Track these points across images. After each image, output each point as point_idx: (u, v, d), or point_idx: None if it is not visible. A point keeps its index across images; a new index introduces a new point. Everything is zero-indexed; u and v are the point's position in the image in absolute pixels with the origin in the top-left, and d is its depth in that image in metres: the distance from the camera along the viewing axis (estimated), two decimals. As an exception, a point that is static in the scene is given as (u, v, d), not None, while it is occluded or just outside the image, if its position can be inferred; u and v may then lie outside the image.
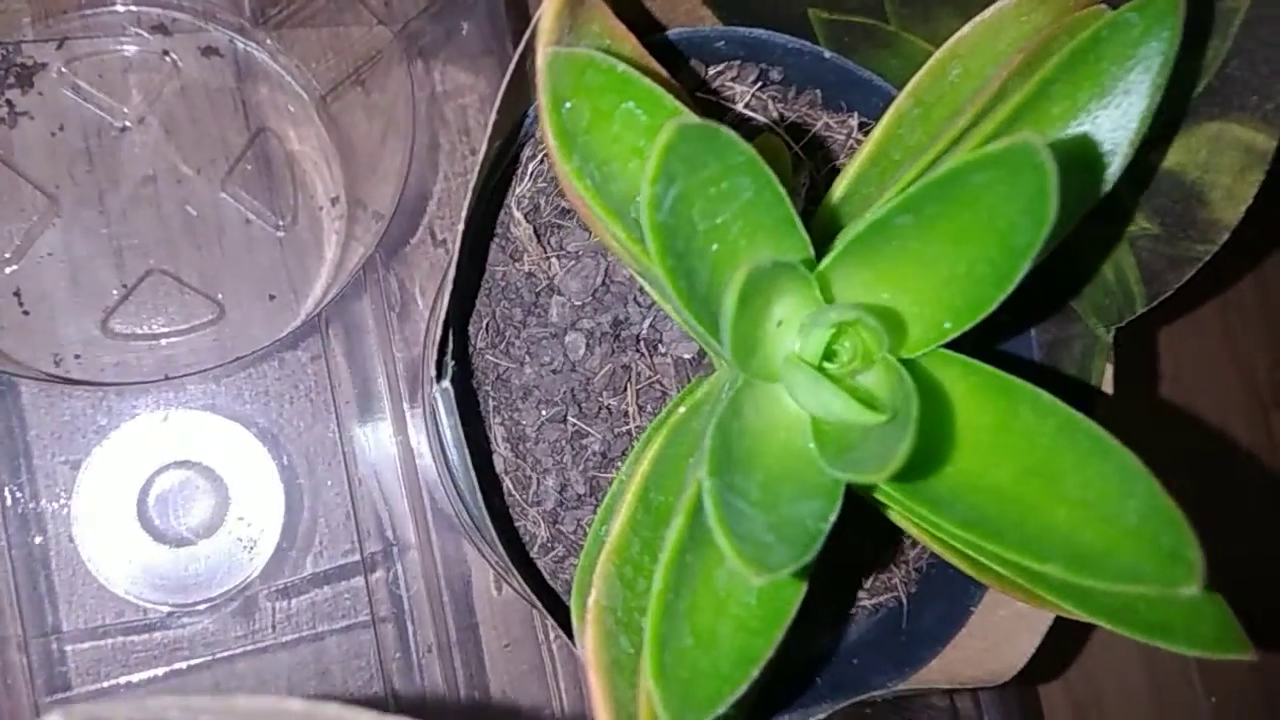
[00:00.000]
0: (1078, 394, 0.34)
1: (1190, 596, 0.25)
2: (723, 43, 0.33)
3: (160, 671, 0.33)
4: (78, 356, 0.40)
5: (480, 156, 0.24)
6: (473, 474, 0.26)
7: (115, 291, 0.41)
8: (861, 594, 0.35)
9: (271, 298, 0.43)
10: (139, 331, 0.41)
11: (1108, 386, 0.35)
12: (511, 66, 0.24)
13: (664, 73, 0.26)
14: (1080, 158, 0.24)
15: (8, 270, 0.40)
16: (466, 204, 0.24)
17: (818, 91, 0.36)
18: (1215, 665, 0.52)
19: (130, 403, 0.35)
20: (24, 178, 0.41)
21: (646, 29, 0.31)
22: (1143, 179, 0.32)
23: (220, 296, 0.42)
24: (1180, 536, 0.19)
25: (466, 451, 0.26)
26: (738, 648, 0.22)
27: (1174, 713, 0.52)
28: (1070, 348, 0.36)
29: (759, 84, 0.35)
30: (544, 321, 0.31)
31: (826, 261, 0.24)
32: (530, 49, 0.24)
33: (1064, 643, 0.33)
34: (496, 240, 0.31)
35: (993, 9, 0.30)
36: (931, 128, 0.31)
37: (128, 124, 0.42)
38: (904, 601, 0.36)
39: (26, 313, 0.40)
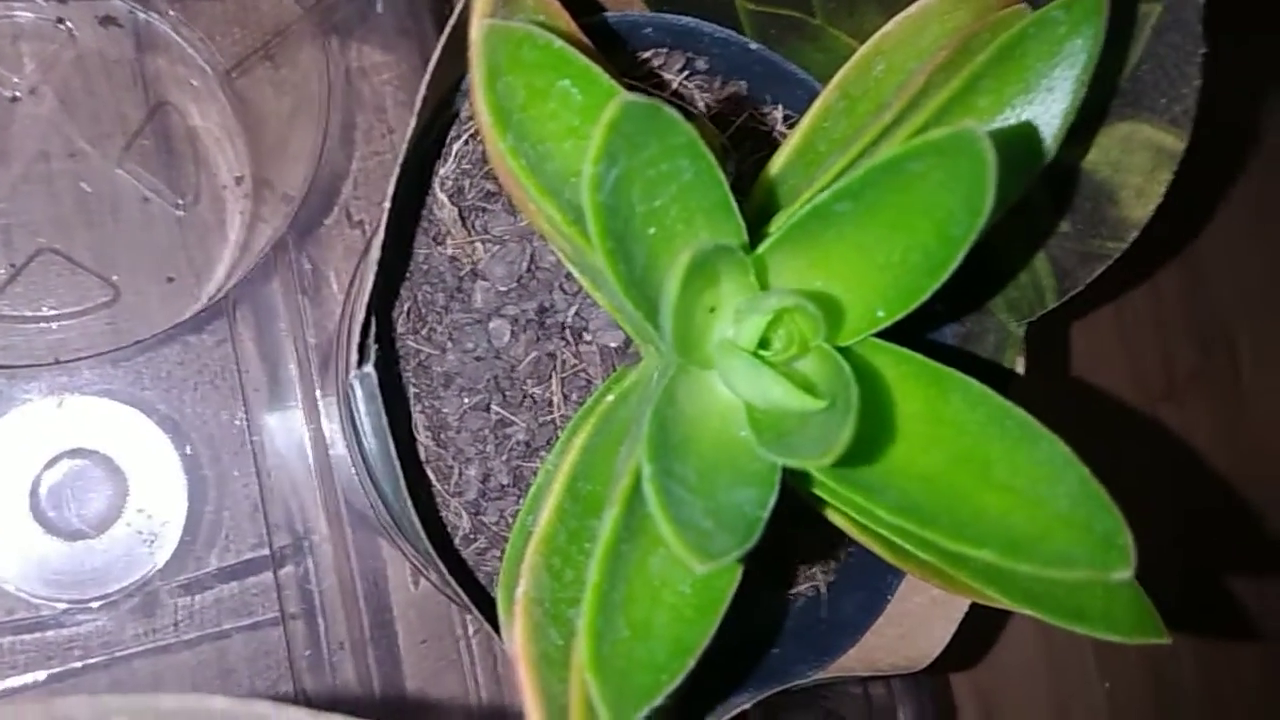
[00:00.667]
0: (996, 381, 0.35)
1: (1109, 582, 0.26)
2: (651, 29, 0.33)
3: (54, 671, 0.31)
4: (-41, 339, 0.38)
5: (408, 133, 0.23)
6: (396, 463, 0.25)
7: (2, 271, 0.39)
8: (781, 584, 0.35)
9: (170, 280, 0.41)
10: (28, 313, 0.39)
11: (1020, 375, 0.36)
12: (443, 39, 0.23)
13: (597, 53, 0.26)
14: (1010, 150, 0.24)
15: (-119, 246, 0.38)
16: (392, 182, 0.24)
17: (743, 83, 0.36)
18: (1110, 653, 0.55)
19: (22, 387, 0.33)
20: (-100, 148, 0.38)
21: (577, 11, 0.30)
22: (1057, 177, 0.33)
23: (115, 278, 0.40)
24: (1112, 522, 0.20)
25: (390, 439, 0.25)
26: (673, 638, 0.22)
27: (1072, 698, 0.54)
28: (983, 341, 0.37)
29: (685, 72, 0.35)
30: (467, 307, 0.31)
31: (764, 247, 0.23)
32: (462, 22, 0.23)
33: (971, 633, 0.34)
34: (420, 223, 0.30)
35: (916, 6, 0.31)
36: (856, 121, 0.32)
37: (18, 94, 0.40)
38: (822, 591, 0.36)
39: (-98, 292, 0.38)
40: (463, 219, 0.30)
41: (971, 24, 0.30)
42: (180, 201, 0.41)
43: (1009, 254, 0.34)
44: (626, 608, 0.22)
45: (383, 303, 0.30)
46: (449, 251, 0.31)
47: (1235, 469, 0.58)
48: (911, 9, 0.31)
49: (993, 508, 0.21)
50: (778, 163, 0.31)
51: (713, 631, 0.22)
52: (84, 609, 0.32)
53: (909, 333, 0.26)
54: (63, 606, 0.32)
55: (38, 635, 0.31)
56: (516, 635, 0.24)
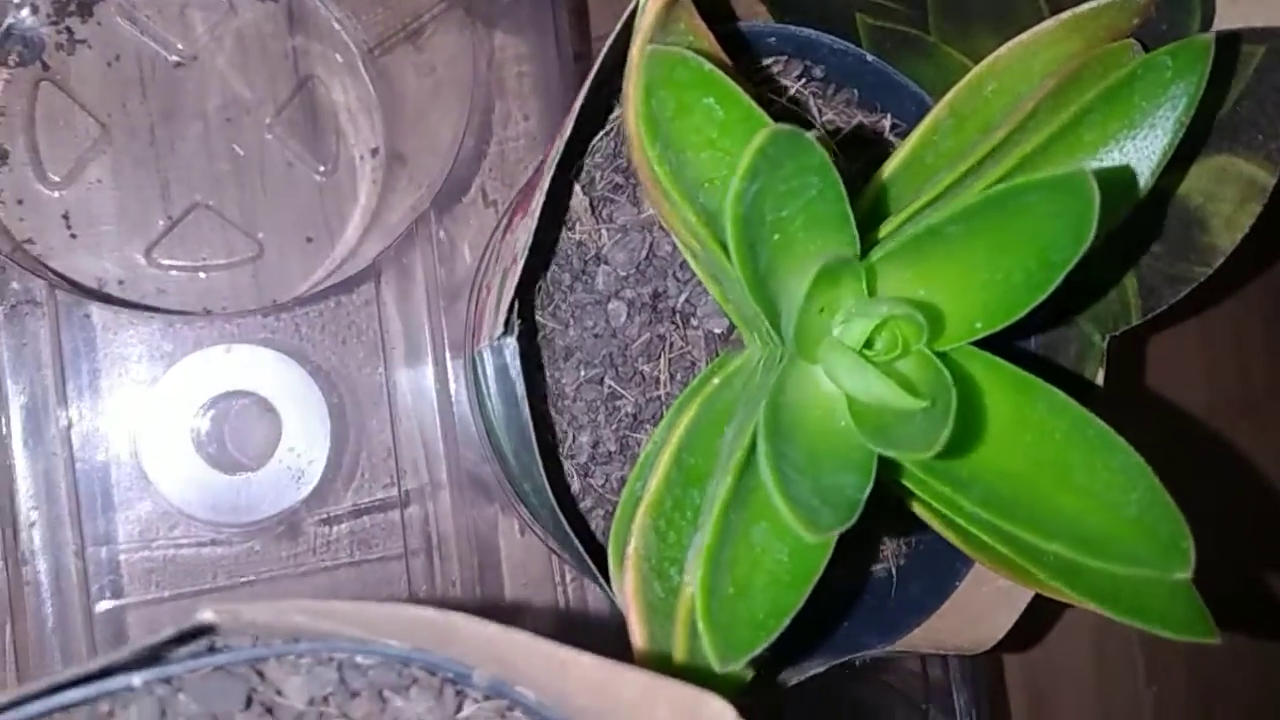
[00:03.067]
0: (1076, 387, 0.37)
1: (1169, 583, 0.28)
2: (774, 38, 0.35)
3: (208, 585, 0.35)
4: (121, 282, 0.42)
5: (563, 137, 0.26)
6: (529, 425, 0.28)
7: (161, 222, 0.43)
8: (857, 562, 0.38)
9: (309, 240, 0.44)
10: (182, 263, 0.43)
11: (1098, 387, 0.38)
12: (603, 53, 0.26)
13: (733, 69, 0.28)
14: (1111, 183, 0.27)
15: (58, 194, 0.42)
16: (548, 175, 0.26)
17: (855, 90, 0.38)
18: (1158, 657, 0.56)
19: (196, 332, 0.37)
20: (79, 104, 0.42)
21: (710, 20, 0.33)
22: (1152, 202, 0.35)
23: (260, 235, 0.44)
24: (1177, 528, 0.22)
25: (525, 405, 0.28)
26: (771, 599, 0.25)
27: (1118, 698, 0.56)
28: (1065, 351, 0.39)
29: (802, 79, 0.37)
30: (590, 288, 0.34)
31: (877, 257, 0.26)
32: (621, 37, 0.26)
33: (1026, 625, 0.36)
34: (554, 208, 0.33)
35: (1029, 33, 0.32)
36: (964, 138, 0.34)
37: (182, 60, 0.44)
38: (894, 573, 0.38)
39: (74, 236, 0.42)
40: (592, 208, 0.33)
41: (1081, 53, 0.32)
42: (321, 168, 0.45)
43: (1101, 272, 0.36)
44: (732, 568, 0.25)
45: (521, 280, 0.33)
46: (577, 236, 0.33)
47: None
48: (1024, 35, 0.33)
49: (1069, 508, 0.24)
50: (886, 171, 0.33)
51: (805, 596, 0.25)
52: (238, 533, 0.36)
53: (998, 340, 0.28)
54: (219, 529, 0.36)
55: (194, 551, 0.35)
56: (626, 586, 0.28)
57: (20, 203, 0.41)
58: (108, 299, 0.40)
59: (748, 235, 0.23)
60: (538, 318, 0.33)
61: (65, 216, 0.42)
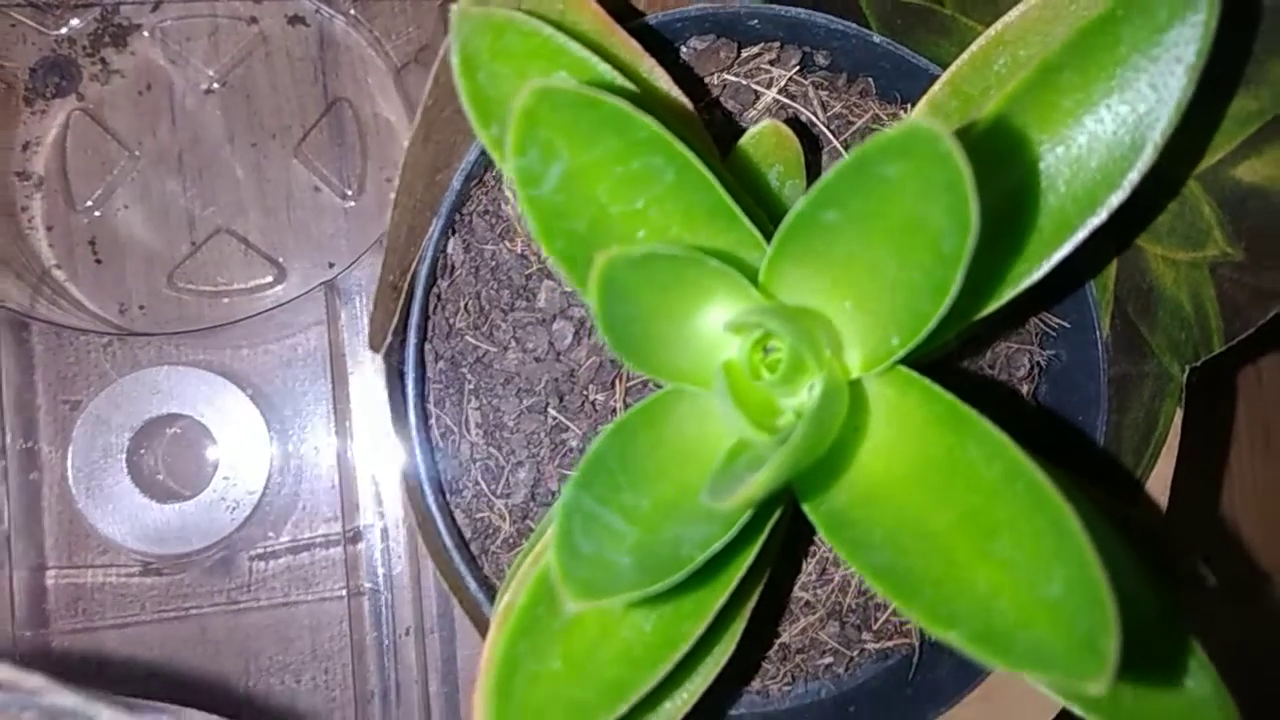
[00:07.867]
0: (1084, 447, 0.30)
1: (1189, 692, 0.21)
2: (756, 21, 0.31)
3: (134, 617, 0.34)
4: (142, 307, 0.42)
5: (410, 139, 0.23)
6: (417, 454, 0.25)
7: (185, 247, 0.43)
8: (867, 635, 0.32)
9: (330, 265, 0.43)
10: (203, 288, 0.42)
11: (1175, 433, 0.31)
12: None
13: (634, 45, 0.24)
14: (1081, 154, 0.20)
15: (85, 220, 0.42)
16: (452, 188, 0.23)
17: (870, 80, 0.33)
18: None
19: (133, 353, 0.36)
20: (110, 133, 0.43)
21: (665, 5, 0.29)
22: (1225, 196, 0.28)
23: (282, 260, 0.43)
24: (1100, 621, 0.16)
25: (401, 433, 0.25)
26: (612, 678, 0.20)
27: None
28: (1140, 387, 0.32)
29: (800, 69, 0.32)
30: (532, 306, 0.30)
31: (765, 260, 0.21)
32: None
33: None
34: (485, 218, 0.30)
35: (1048, -11, 0.26)
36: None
37: (212, 86, 0.44)
38: (917, 649, 0.32)
39: (99, 261, 0.42)
40: (529, 216, 0.30)
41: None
42: (347, 192, 0.44)
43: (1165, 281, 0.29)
44: (567, 637, 0.20)
45: (428, 296, 0.30)
46: (518, 249, 0.30)
47: None
48: (1042, -8, 0.27)
49: (982, 584, 0.18)
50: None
51: (659, 679, 0.20)
52: (168, 564, 0.34)
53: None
54: (149, 559, 0.34)
55: (123, 581, 0.34)
56: (488, 641, 0.23)
57: (50, 229, 0.42)
58: (121, 331, 0.40)
59: (569, 227, 0.19)
60: (470, 338, 0.30)
61: (92, 243, 0.42)
